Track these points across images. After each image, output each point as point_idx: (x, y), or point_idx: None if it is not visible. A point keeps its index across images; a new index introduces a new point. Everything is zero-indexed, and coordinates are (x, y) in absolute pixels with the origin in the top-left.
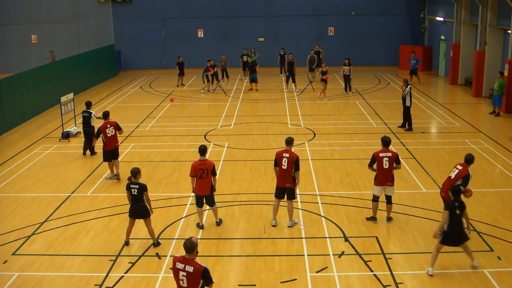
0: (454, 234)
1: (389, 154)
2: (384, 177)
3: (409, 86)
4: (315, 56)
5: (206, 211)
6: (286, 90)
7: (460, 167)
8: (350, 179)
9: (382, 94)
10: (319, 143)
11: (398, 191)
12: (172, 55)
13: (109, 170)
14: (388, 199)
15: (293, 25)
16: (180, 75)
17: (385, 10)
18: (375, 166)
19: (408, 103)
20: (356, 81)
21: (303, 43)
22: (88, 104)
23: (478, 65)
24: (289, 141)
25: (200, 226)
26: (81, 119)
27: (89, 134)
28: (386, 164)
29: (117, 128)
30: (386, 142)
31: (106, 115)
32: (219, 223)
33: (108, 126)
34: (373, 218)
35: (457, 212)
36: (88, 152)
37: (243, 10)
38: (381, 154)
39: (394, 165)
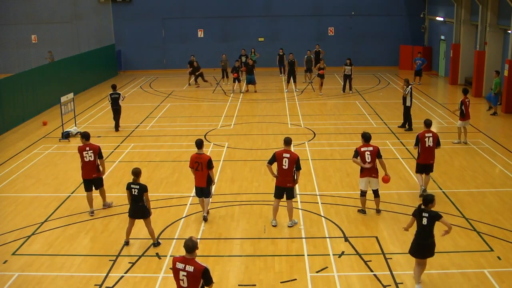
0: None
1: (371, 149)
2: (369, 169)
3: (410, 86)
4: (311, 56)
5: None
6: (286, 90)
7: (430, 134)
8: (350, 179)
9: (382, 94)
10: (319, 143)
11: (398, 191)
12: (172, 55)
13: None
14: (375, 193)
15: (293, 25)
16: (191, 73)
17: (385, 10)
18: (358, 159)
19: (408, 103)
20: (356, 81)
21: (303, 43)
22: (114, 87)
23: (478, 65)
24: (288, 141)
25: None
26: (109, 100)
27: (119, 112)
28: (368, 158)
29: (99, 155)
30: (367, 138)
31: (85, 136)
32: (205, 217)
33: (87, 149)
34: (362, 211)
35: (424, 222)
36: (120, 128)
37: (243, 10)
38: (362, 149)
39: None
